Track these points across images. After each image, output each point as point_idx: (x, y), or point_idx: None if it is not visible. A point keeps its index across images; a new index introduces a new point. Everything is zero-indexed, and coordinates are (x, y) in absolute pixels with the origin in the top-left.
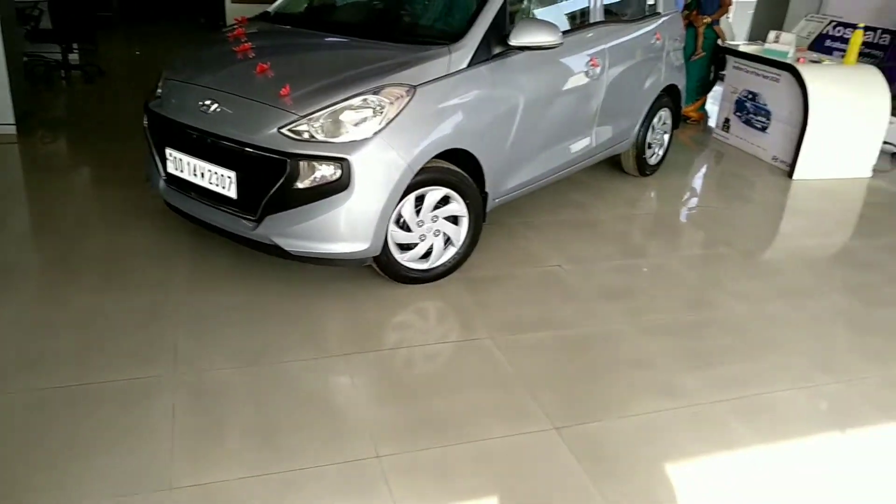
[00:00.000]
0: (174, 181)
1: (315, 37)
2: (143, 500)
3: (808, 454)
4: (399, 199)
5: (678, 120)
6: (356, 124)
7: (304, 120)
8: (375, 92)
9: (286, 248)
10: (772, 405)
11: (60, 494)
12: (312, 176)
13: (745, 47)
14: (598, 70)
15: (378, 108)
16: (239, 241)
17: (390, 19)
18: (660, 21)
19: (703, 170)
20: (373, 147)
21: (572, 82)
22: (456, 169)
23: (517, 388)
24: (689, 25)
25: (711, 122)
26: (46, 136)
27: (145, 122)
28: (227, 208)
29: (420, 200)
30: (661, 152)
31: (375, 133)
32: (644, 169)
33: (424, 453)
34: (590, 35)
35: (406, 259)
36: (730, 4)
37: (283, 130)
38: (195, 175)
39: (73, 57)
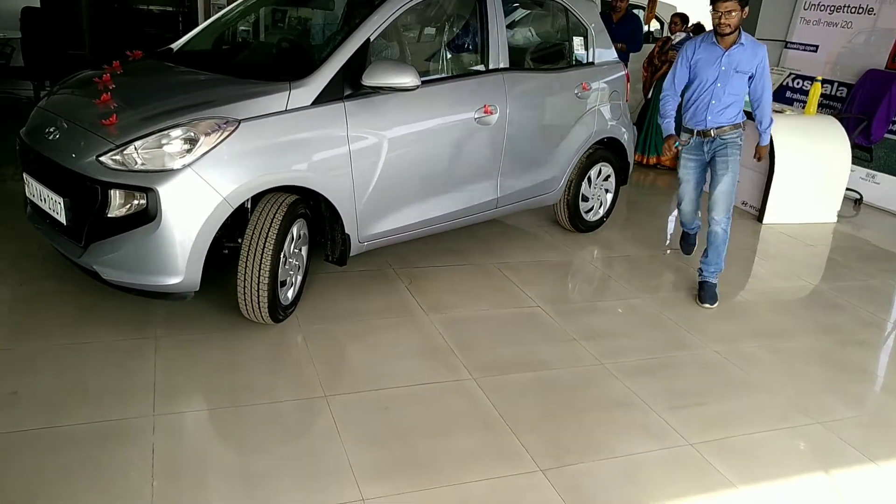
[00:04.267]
0: (34, 206)
1: (181, 73)
2: None
3: (788, 495)
4: (214, 232)
5: (625, 175)
6: (168, 155)
7: (120, 149)
8: (191, 124)
9: (104, 277)
10: (752, 446)
11: None
12: (122, 205)
13: None
14: (493, 118)
15: (192, 139)
16: (78, 267)
17: (255, 57)
18: (588, 71)
19: (676, 213)
20: (183, 178)
21: (458, 129)
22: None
23: (502, 429)
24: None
25: None
26: (17, 174)
27: (17, 148)
28: (61, 235)
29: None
30: (601, 210)
31: (186, 165)
32: (578, 224)
33: (410, 496)
34: (484, 81)
35: (283, 296)
36: None
37: (102, 158)
38: (41, 200)
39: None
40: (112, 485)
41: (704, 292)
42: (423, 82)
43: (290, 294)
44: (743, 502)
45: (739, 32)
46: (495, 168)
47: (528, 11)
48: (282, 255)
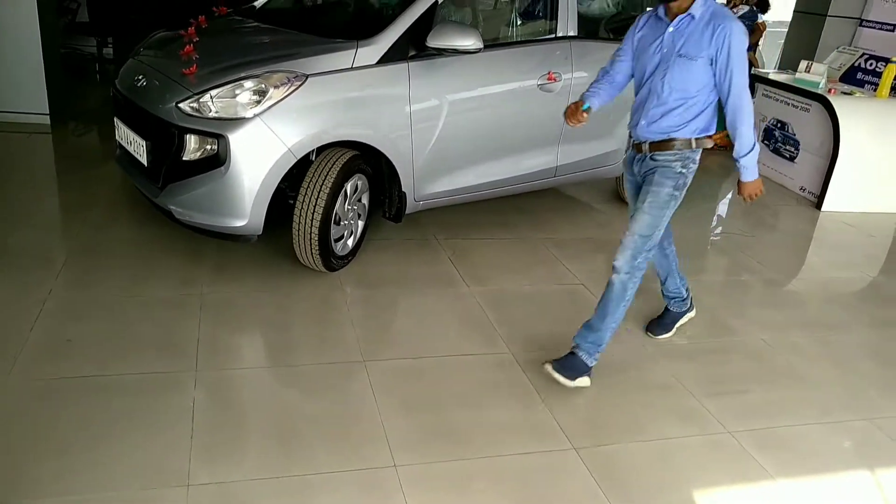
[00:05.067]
0: (122, 149)
1: (259, 29)
2: (159, 495)
3: (829, 491)
4: (279, 180)
5: None
6: (240, 105)
7: (196, 97)
8: (263, 76)
9: (177, 216)
10: (793, 438)
11: (73, 482)
12: (196, 149)
13: (775, 76)
14: (556, 85)
15: (262, 91)
16: (155, 206)
17: (326, 15)
18: None
19: (729, 196)
20: (251, 127)
21: (519, 94)
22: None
23: (537, 405)
24: None
25: None
26: (79, 127)
27: (111, 95)
28: (143, 175)
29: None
30: None
31: (256, 114)
32: None
33: (442, 465)
34: (550, 48)
35: (338, 249)
36: (764, 29)
37: (180, 105)
38: (127, 143)
39: (108, 51)
40: (152, 438)
41: (567, 370)
42: (487, 47)
43: (349, 243)
44: (780, 494)
45: (706, 2)
46: (556, 136)
47: None
48: (335, 208)
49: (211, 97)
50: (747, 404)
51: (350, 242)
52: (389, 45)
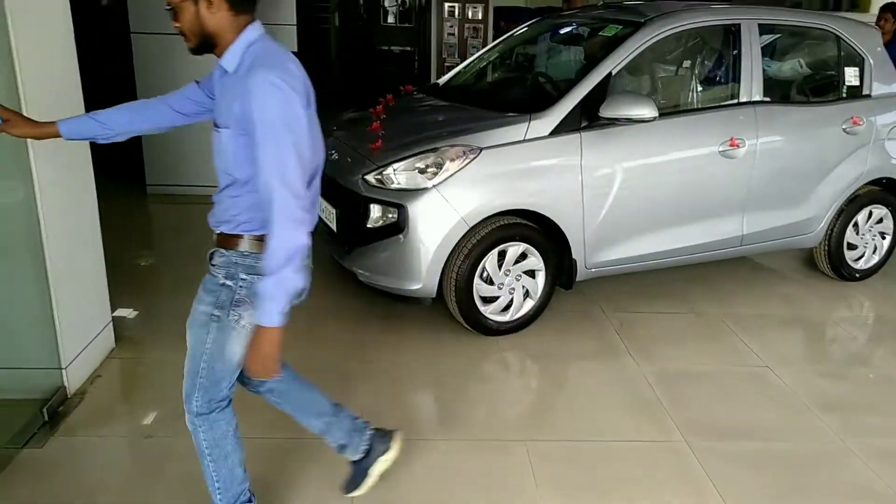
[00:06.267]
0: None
1: (440, 106)
2: None
3: None
4: (452, 246)
5: None
6: (419, 177)
7: (380, 169)
8: (441, 150)
9: (360, 277)
10: None
11: None
12: (378, 217)
13: None
14: (740, 151)
15: (439, 164)
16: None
17: (503, 92)
18: (862, 104)
19: None
20: (429, 197)
21: (698, 161)
22: (531, 226)
23: (715, 502)
24: None
25: None
26: None
27: None
28: (332, 240)
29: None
30: (876, 257)
31: (434, 186)
32: (842, 271)
33: None
34: (732, 114)
35: (490, 311)
36: None
37: (366, 177)
38: (321, 210)
39: None
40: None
41: (351, 485)
42: (664, 114)
43: (519, 313)
44: None
45: (249, 48)
46: (740, 203)
47: (792, 40)
48: (482, 264)
49: (393, 170)
50: None
51: (519, 314)
52: (562, 117)
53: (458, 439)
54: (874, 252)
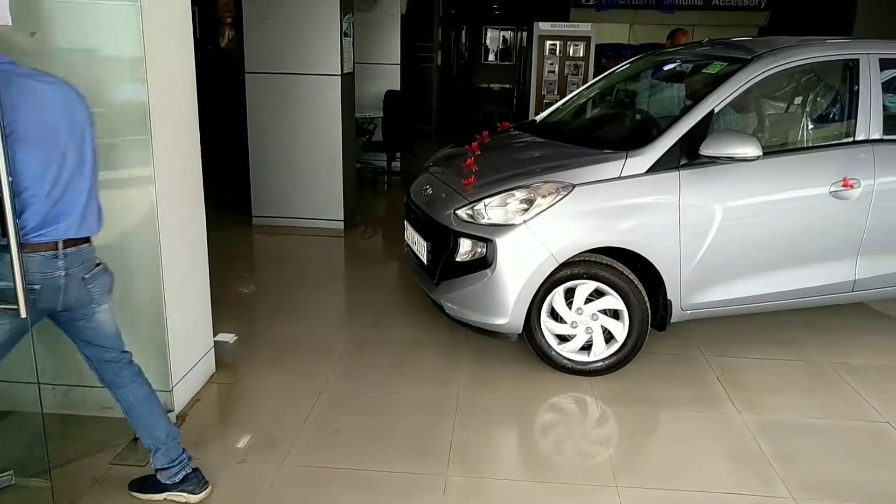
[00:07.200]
0: (409, 248)
1: (534, 143)
2: None
3: None
4: (541, 283)
5: None
6: (510, 212)
7: (471, 205)
8: (532, 187)
9: (446, 310)
10: None
11: None
12: (468, 252)
13: None
14: (854, 192)
15: (530, 200)
16: (432, 301)
17: (600, 128)
18: None
19: None
20: (518, 233)
21: (806, 202)
22: (614, 265)
23: None
24: None
25: None
26: (368, 231)
27: (405, 202)
28: (423, 272)
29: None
30: None
31: (524, 221)
32: None
33: None
34: (847, 153)
35: (566, 350)
36: None
37: (458, 211)
38: (412, 242)
39: (396, 164)
40: None
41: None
42: (771, 153)
43: (601, 354)
44: None
45: None
46: (853, 247)
47: None
48: (547, 302)
49: (485, 205)
50: None
51: (601, 354)
52: (660, 154)
53: (546, 481)
54: None
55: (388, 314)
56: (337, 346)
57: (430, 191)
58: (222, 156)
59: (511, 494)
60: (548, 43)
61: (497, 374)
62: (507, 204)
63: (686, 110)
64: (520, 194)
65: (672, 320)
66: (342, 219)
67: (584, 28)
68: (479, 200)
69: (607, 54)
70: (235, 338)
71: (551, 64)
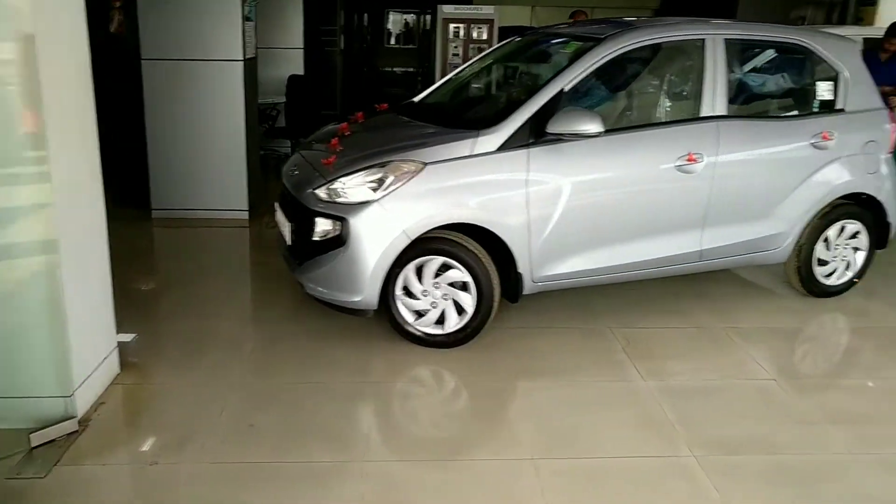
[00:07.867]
0: (277, 229)
1: (401, 122)
2: None
3: None
4: (394, 260)
5: (883, 239)
6: (364, 191)
7: (328, 183)
8: (385, 165)
9: (307, 290)
10: None
11: None
12: (323, 230)
13: None
14: (697, 166)
15: (383, 179)
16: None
17: (466, 109)
18: (833, 119)
19: None
20: (371, 211)
21: (650, 176)
22: (461, 240)
23: None
24: None
25: None
26: (273, 221)
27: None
28: (288, 252)
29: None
30: (848, 272)
31: (376, 200)
32: (813, 288)
33: None
34: (692, 129)
35: (421, 324)
36: None
37: (316, 191)
38: (280, 224)
39: None
40: None
41: None
42: (617, 129)
43: (453, 326)
44: None
45: None
46: (698, 218)
47: (763, 55)
48: (399, 284)
49: (342, 184)
50: None
51: (457, 324)
52: (510, 133)
53: (463, 459)
54: (847, 268)
55: (299, 306)
56: (247, 341)
57: (296, 171)
58: (116, 147)
59: (431, 475)
60: (451, 26)
61: (414, 363)
62: (361, 183)
63: (535, 91)
64: (372, 173)
65: (525, 292)
66: (247, 209)
67: (487, 11)
68: (335, 179)
69: (511, 37)
70: (135, 336)
71: (455, 47)
